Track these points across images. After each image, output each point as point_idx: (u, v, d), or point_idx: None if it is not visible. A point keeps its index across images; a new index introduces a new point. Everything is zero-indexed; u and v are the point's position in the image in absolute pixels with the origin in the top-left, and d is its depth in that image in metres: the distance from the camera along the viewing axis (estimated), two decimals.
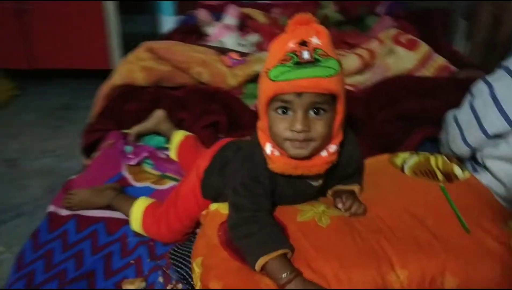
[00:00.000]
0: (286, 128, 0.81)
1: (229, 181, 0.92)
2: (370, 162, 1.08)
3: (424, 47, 1.47)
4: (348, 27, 2.08)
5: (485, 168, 1.06)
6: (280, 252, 0.78)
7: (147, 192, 1.24)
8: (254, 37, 1.96)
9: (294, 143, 0.82)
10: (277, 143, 0.84)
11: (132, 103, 1.52)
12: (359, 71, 1.57)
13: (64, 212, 1.17)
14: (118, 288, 0.96)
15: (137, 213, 1.10)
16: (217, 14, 2.15)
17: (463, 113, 1.07)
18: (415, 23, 2.04)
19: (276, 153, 0.86)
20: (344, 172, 0.94)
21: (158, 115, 1.41)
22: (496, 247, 0.85)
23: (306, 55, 0.78)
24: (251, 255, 0.80)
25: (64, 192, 1.24)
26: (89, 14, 2.63)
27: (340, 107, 0.84)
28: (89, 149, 1.52)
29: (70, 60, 2.76)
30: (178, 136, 1.38)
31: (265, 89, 0.81)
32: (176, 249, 1.04)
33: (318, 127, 0.82)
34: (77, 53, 2.74)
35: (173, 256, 1.02)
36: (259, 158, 0.88)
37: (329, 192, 0.98)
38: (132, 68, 1.59)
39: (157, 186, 1.26)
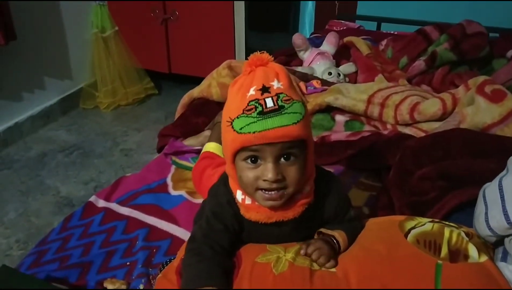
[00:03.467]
0: (258, 178, 0.78)
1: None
2: (380, 220, 0.97)
3: (511, 101, 1.25)
4: (463, 68, 1.87)
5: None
6: (204, 289, 0.76)
7: (178, 200, 1.29)
8: (349, 67, 1.89)
9: (266, 194, 0.79)
10: (248, 193, 0.82)
11: (202, 117, 1.59)
12: (438, 118, 1.41)
13: (100, 204, 1.29)
14: (99, 284, 1.02)
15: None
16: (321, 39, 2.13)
17: (492, 189, 0.87)
18: None
19: (248, 201, 0.84)
20: (326, 215, 0.89)
21: (207, 135, 1.45)
22: None
23: (269, 103, 0.75)
24: (182, 286, 0.79)
25: (112, 187, 1.37)
26: (221, 29, 2.82)
27: (309, 149, 0.80)
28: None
29: (201, 69, 2.98)
30: None
31: (231, 141, 0.78)
32: (168, 261, 1.06)
33: (291, 173, 0.79)
34: (208, 63, 2.94)
35: (162, 268, 1.05)
36: (222, 197, 0.87)
37: (315, 235, 0.91)
38: (211, 82, 1.66)
39: (190, 197, 1.30)
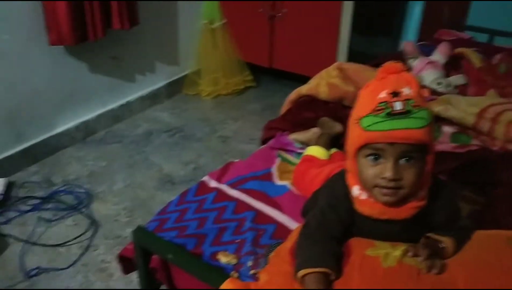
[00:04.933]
0: (377, 175, 0.85)
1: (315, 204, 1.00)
2: (488, 233, 0.99)
3: None
4: None
5: None
6: (318, 269, 0.83)
7: (282, 190, 1.37)
8: (459, 79, 1.87)
9: (383, 190, 0.85)
10: (366, 188, 0.88)
11: (310, 112, 1.66)
12: None
13: (212, 184, 1.40)
14: (213, 255, 1.12)
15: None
16: (434, 48, 2.11)
17: None
18: None
19: (363, 196, 0.90)
20: (436, 221, 0.92)
21: (315, 131, 1.52)
22: None
23: (398, 106, 0.81)
24: (297, 265, 0.87)
25: (222, 170, 1.48)
26: (326, 30, 2.86)
27: (430, 157, 0.84)
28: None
29: (302, 67, 3.06)
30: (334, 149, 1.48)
31: (356, 137, 0.85)
32: (276, 244, 1.15)
33: (409, 175, 0.84)
34: (309, 62, 3.01)
35: (270, 249, 1.13)
36: (339, 191, 0.94)
37: (422, 239, 0.95)
38: (320, 82, 1.73)
39: (293, 188, 1.38)
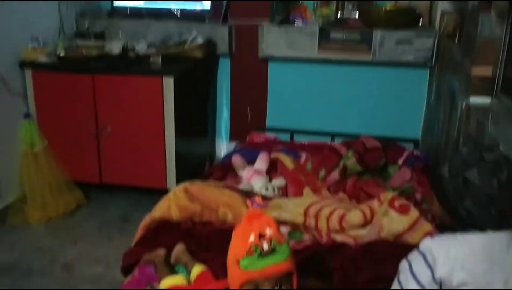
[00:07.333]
0: None
1: None
2: None
3: (414, 213, 1.69)
4: (368, 176, 2.34)
5: None
6: None
7: None
8: (280, 181, 2.26)
9: None
10: None
11: (166, 236, 1.82)
12: (361, 226, 1.80)
13: None
14: None
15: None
16: (254, 153, 2.50)
17: (394, 286, 1.28)
18: (430, 176, 2.26)
19: None
20: None
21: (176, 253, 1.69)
22: None
23: (265, 246, 1.07)
24: None
25: None
26: (153, 138, 3.06)
27: (294, 277, 1.11)
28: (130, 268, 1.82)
29: (133, 178, 3.18)
30: (197, 269, 1.65)
31: (238, 276, 1.09)
32: None
33: None
34: (139, 171, 3.16)
35: None
36: None
37: None
38: (169, 204, 1.91)
39: None
